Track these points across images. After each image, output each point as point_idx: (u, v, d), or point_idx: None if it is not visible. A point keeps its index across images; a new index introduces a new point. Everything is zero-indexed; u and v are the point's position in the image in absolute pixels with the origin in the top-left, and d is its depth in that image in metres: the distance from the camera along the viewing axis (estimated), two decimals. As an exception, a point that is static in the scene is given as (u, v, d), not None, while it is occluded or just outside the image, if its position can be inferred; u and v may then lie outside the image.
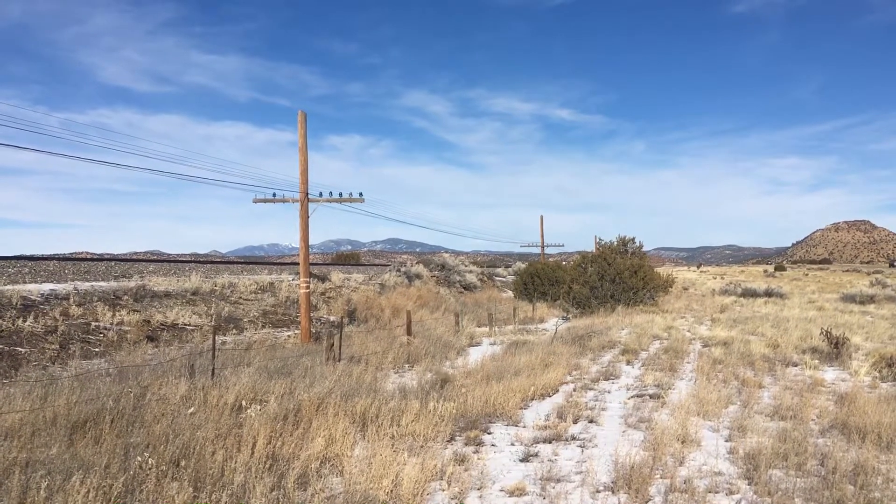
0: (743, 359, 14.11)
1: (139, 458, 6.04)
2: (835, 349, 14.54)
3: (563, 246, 57.59)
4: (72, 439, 6.96)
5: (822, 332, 15.59)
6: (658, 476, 6.73)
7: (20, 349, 13.66)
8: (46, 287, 18.08)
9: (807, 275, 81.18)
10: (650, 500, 6.17)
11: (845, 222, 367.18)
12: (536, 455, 7.63)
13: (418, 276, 38.00)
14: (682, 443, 7.85)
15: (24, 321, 14.74)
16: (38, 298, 16.62)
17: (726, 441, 8.06)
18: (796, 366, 13.69)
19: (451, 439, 8.21)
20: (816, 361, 13.83)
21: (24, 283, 18.86)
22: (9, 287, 17.09)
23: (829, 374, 12.87)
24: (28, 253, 26.03)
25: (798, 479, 6.52)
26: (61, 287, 18.36)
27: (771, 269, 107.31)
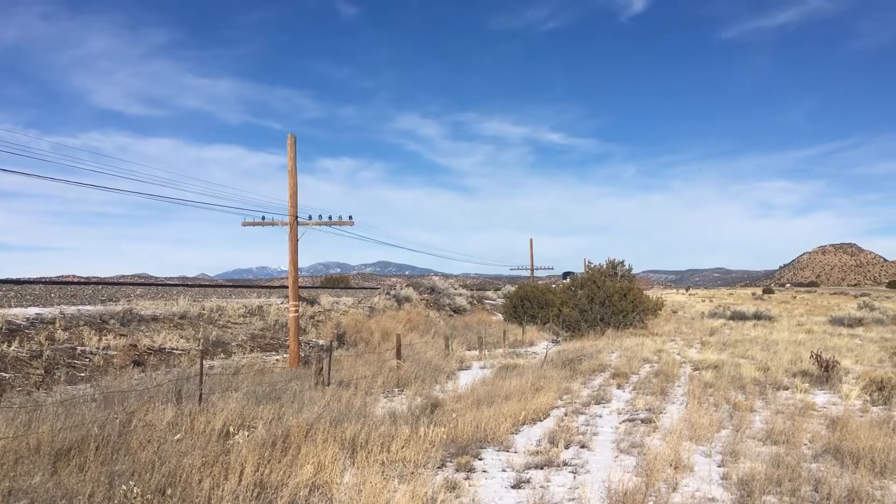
0: (733, 382, 14.09)
1: (124, 487, 5.93)
2: (825, 372, 14.55)
3: (552, 269, 57.82)
4: (55, 467, 6.83)
5: (811, 356, 15.61)
6: (651, 502, 6.66)
7: (4, 374, 13.45)
8: (32, 311, 17.87)
9: (795, 297, 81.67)
10: (644, 527, 6.10)
11: (832, 245, 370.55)
12: (528, 481, 7.55)
13: (408, 300, 37.92)
14: (675, 468, 7.79)
15: (9, 346, 14.55)
16: (24, 323, 16.41)
17: (719, 466, 8.01)
18: (787, 389, 13.69)
19: (442, 465, 8.11)
20: (807, 385, 13.84)
21: (10, 307, 18.63)
22: (-7, 311, 16.86)
23: (820, 397, 12.87)
24: (14, 276, 25.76)
25: (792, 505, 6.47)
26: (47, 311, 18.15)
27: (759, 291, 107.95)
